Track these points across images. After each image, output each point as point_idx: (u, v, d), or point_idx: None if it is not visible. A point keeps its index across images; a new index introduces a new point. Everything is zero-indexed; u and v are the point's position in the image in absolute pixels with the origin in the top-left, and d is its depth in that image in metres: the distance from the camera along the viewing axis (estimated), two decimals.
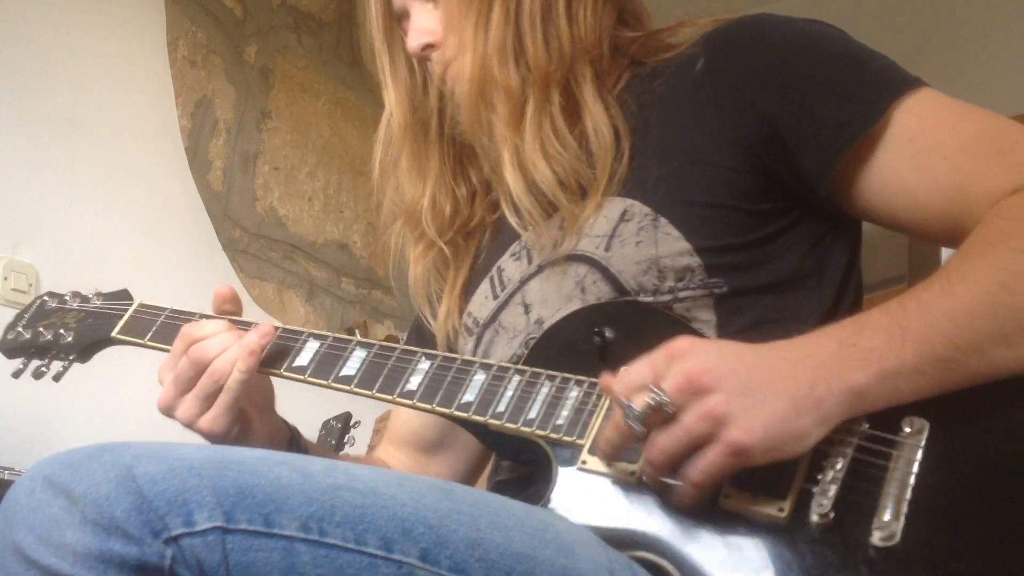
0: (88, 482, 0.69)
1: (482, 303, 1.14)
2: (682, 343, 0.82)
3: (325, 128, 3.12)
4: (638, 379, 0.81)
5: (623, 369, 0.85)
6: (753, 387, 0.78)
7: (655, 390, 0.79)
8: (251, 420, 1.08)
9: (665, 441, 0.79)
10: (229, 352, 1.03)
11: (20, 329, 1.26)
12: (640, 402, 0.79)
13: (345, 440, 2.49)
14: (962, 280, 0.82)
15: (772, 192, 0.99)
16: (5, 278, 2.28)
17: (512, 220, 1.08)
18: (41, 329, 1.23)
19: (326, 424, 2.51)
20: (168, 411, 1.06)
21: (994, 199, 0.88)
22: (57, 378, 1.22)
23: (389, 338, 3.13)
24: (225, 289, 1.13)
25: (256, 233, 2.90)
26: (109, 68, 2.61)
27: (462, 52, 1.08)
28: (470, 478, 1.31)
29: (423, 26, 1.11)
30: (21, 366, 1.24)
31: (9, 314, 1.34)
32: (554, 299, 1.04)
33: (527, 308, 1.08)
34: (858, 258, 1.07)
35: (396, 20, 1.16)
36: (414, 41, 1.11)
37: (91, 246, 2.47)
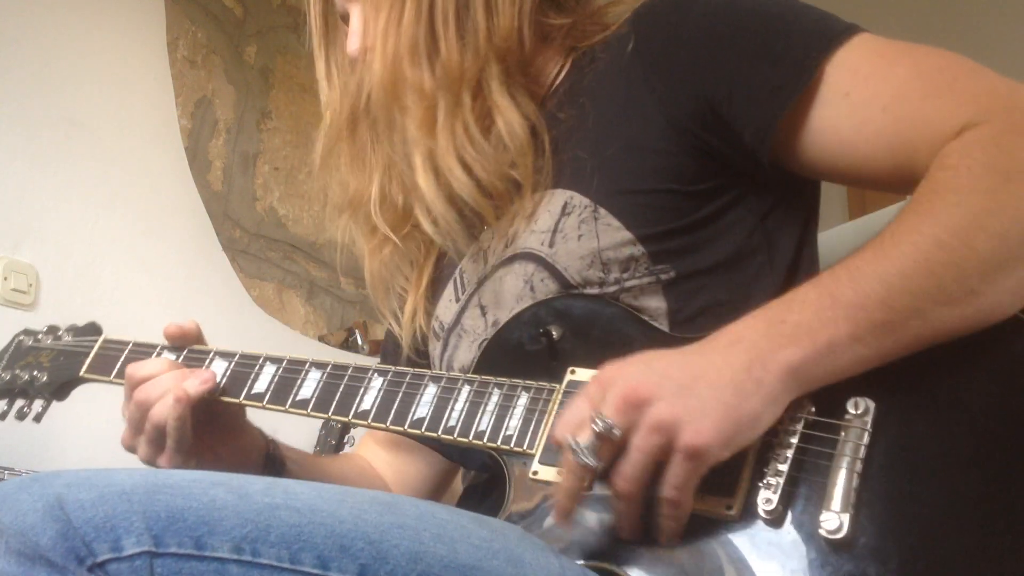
0: (15, 512, 0.68)
1: (447, 306, 1.12)
2: (609, 371, 0.81)
3: None
4: (577, 416, 0.80)
5: (558, 412, 0.82)
6: (690, 385, 0.77)
7: (598, 418, 0.77)
8: (212, 449, 1.09)
9: (627, 469, 0.78)
10: (167, 398, 1.04)
11: (0, 372, 1.28)
12: (586, 436, 0.77)
13: (345, 440, 2.49)
14: (895, 242, 0.79)
15: (711, 170, 0.97)
16: (5, 278, 2.28)
17: (428, 229, 1.05)
18: (18, 371, 1.25)
19: (326, 424, 2.51)
20: (130, 450, 1.09)
21: (935, 142, 0.84)
22: (38, 418, 1.23)
23: None
24: (171, 328, 1.14)
25: (256, 233, 2.90)
26: (109, 68, 2.61)
27: (372, 54, 1.05)
28: (449, 474, 1.31)
29: (359, 28, 1.08)
30: (5, 407, 1.26)
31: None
32: (506, 299, 1.03)
33: (483, 310, 1.06)
34: (813, 231, 1.04)
35: (342, 21, 1.14)
36: (351, 45, 1.09)
37: (91, 246, 2.47)
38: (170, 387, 1.04)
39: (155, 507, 0.70)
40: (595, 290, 0.97)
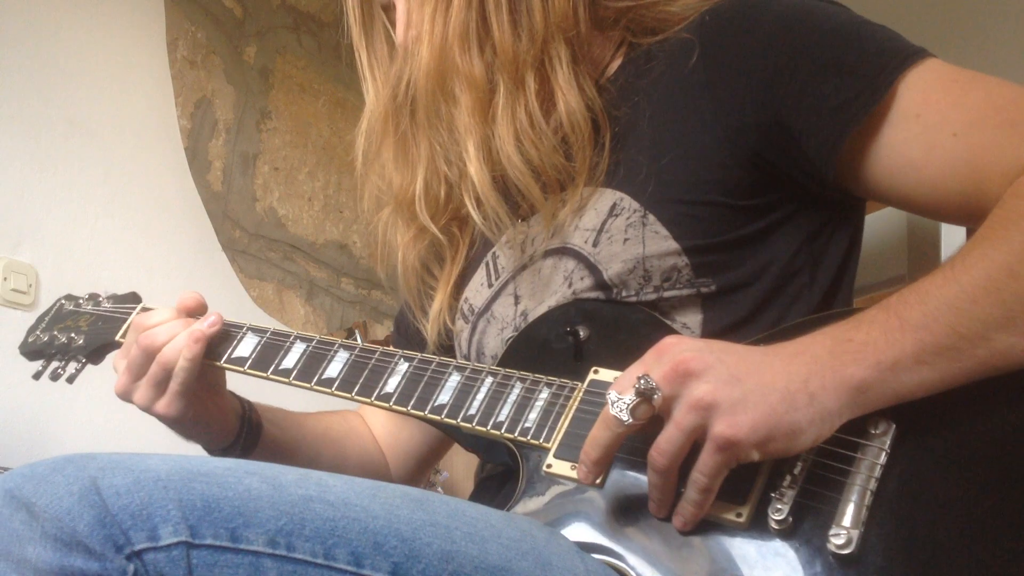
0: (50, 496, 0.67)
1: (478, 290, 1.12)
2: (669, 339, 0.80)
3: (325, 128, 3.12)
4: (629, 379, 0.79)
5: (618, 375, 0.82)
6: (741, 376, 0.76)
7: (642, 378, 0.76)
8: (204, 402, 1.11)
9: (662, 442, 0.78)
10: (176, 340, 1.07)
11: (39, 332, 1.30)
12: (628, 392, 0.77)
13: None
14: (966, 267, 0.78)
15: (765, 186, 0.96)
16: (5, 279, 2.28)
17: (476, 218, 1.04)
18: (56, 332, 1.27)
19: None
20: (125, 397, 1.10)
21: (1008, 175, 0.83)
22: (71, 380, 1.25)
23: (389, 338, 3.13)
24: (189, 301, 1.14)
25: (256, 233, 2.90)
26: (109, 68, 2.61)
27: (419, 42, 1.03)
28: (440, 449, 1.32)
29: (404, 17, 1.07)
30: (41, 367, 1.28)
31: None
32: (541, 292, 1.02)
33: (517, 299, 1.06)
34: (856, 253, 1.03)
35: (382, 11, 1.14)
36: (402, 33, 1.08)
37: (91, 246, 2.47)
38: (178, 330, 1.07)
39: (191, 496, 0.70)
40: (632, 296, 0.96)
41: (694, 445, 0.78)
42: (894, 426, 0.78)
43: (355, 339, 2.99)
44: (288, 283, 2.97)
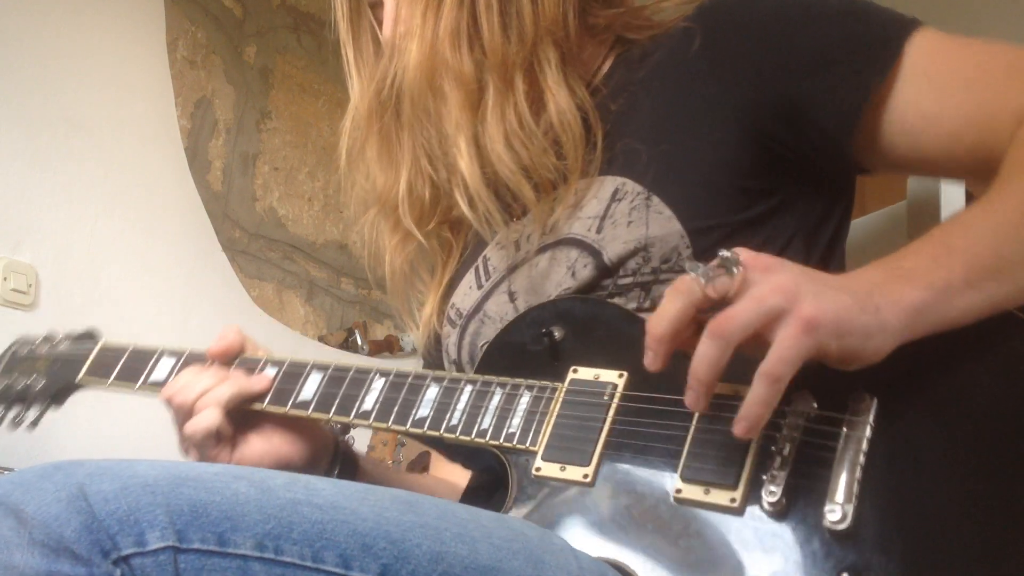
0: (38, 502, 0.67)
1: (466, 294, 1.11)
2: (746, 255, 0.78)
3: (325, 128, 3.12)
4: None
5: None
6: (816, 278, 0.75)
7: (726, 251, 0.75)
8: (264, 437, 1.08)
9: (738, 311, 0.74)
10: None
11: None
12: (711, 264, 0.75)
13: (346, 437, 2.50)
14: (1002, 197, 0.81)
15: (768, 167, 0.97)
16: (5, 279, 2.28)
17: (468, 215, 1.03)
18: (14, 379, 1.25)
19: (327, 424, 2.51)
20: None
21: (1019, 117, 0.86)
22: (34, 424, 1.23)
23: (389, 338, 3.13)
24: (215, 349, 1.11)
25: (256, 233, 2.90)
26: (109, 68, 2.61)
27: (409, 38, 1.03)
28: None
29: (393, 13, 1.07)
30: (1, 413, 1.25)
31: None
32: (543, 286, 1.02)
33: (512, 296, 1.05)
34: (844, 233, 1.05)
35: (369, 7, 1.14)
36: (387, 30, 1.08)
37: (91, 246, 2.47)
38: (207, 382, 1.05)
39: (178, 501, 0.69)
40: (629, 278, 0.96)
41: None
42: (876, 400, 0.79)
43: (355, 339, 2.99)
44: (288, 283, 2.97)
